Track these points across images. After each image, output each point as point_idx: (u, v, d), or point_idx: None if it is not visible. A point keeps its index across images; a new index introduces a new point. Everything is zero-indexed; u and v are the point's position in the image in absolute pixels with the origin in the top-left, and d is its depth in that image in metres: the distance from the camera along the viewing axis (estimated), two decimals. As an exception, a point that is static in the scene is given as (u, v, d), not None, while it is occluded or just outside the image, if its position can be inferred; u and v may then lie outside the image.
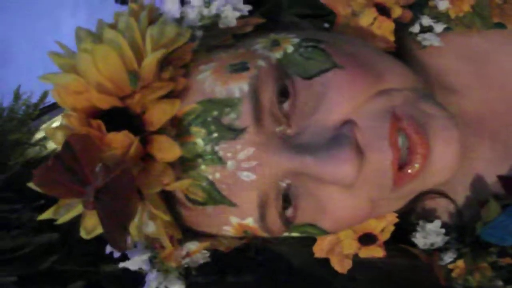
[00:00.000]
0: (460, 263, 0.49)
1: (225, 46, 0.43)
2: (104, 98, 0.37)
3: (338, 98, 0.40)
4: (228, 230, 0.45)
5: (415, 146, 0.40)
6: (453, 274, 0.50)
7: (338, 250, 0.51)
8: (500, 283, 0.49)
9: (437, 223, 0.50)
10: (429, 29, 0.53)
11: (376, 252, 0.50)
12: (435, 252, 0.51)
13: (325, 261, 0.53)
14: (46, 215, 0.43)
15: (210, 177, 0.39)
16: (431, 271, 0.51)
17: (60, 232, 0.76)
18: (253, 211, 0.41)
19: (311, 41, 0.42)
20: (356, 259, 0.52)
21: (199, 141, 0.39)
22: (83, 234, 0.42)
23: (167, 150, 0.38)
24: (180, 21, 0.43)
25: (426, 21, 0.53)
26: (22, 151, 0.86)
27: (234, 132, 0.38)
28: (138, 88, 0.37)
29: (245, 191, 0.40)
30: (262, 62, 0.40)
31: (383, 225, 0.49)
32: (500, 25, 0.52)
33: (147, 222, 0.40)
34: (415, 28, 0.52)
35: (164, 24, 0.39)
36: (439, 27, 0.52)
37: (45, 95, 0.97)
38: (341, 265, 0.50)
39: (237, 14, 0.43)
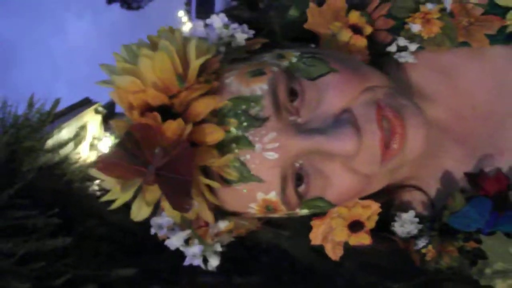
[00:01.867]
0: (431, 248, 0.55)
1: (241, 59, 0.53)
2: (158, 96, 0.45)
3: (337, 94, 0.50)
4: (253, 207, 0.52)
5: (395, 127, 0.49)
6: (427, 258, 0.56)
7: (331, 238, 0.58)
8: (467, 264, 0.54)
9: (411, 213, 0.58)
10: (404, 49, 0.60)
11: (364, 239, 0.56)
12: (411, 239, 0.57)
13: (322, 254, 0.58)
14: (110, 196, 0.47)
15: (242, 158, 0.48)
16: (409, 256, 0.58)
17: (73, 236, 0.79)
18: (276, 185, 0.49)
19: (309, 53, 0.53)
20: (346, 246, 0.57)
21: (233, 129, 0.48)
22: (133, 213, 0.47)
23: (213, 134, 0.46)
24: (204, 40, 0.52)
25: (402, 41, 0.61)
26: (35, 158, 0.88)
27: (259, 121, 0.48)
28: (183, 89, 0.46)
29: (270, 168, 0.49)
30: (275, 68, 0.50)
31: (369, 213, 0.56)
32: (466, 44, 0.60)
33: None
34: (393, 48, 0.60)
35: (199, 40, 0.48)
36: (413, 47, 0.60)
37: (56, 103, 1.00)
38: (334, 252, 0.56)
39: (245, 36, 0.54)
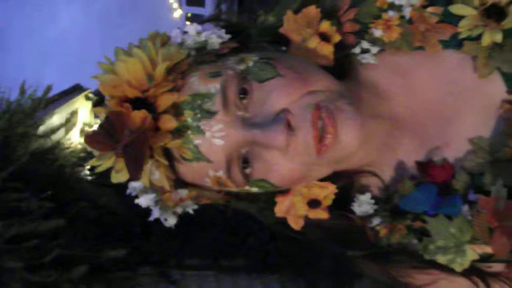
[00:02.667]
0: (384, 226, 0.63)
1: (209, 61, 0.64)
2: (131, 91, 0.57)
3: (278, 95, 0.60)
4: (208, 182, 0.64)
5: (327, 127, 0.58)
6: (380, 234, 0.66)
7: (293, 212, 0.67)
8: (414, 241, 0.65)
9: (368, 195, 0.67)
10: (367, 51, 0.67)
11: (321, 214, 0.67)
12: (367, 217, 0.68)
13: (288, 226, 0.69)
14: (91, 163, 0.62)
15: (195, 142, 0.60)
16: (364, 232, 0.67)
17: (65, 219, 0.82)
18: (222, 165, 0.61)
19: (265, 59, 0.63)
20: (308, 221, 0.67)
21: (189, 119, 0.60)
22: (113, 177, 0.62)
23: (168, 122, 0.58)
24: (181, 44, 0.64)
25: (365, 44, 0.70)
26: (28, 143, 0.91)
27: (210, 114, 0.59)
28: (152, 85, 0.58)
29: (217, 152, 0.61)
30: (230, 71, 0.60)
31: (326, 193, 0.66)
32: (421, 48, 0.68)
33: (154, 171, 0.61)
34: (357, 50, 0.70)
35: (170, 46, 0.60)
36: (374, 49, 0.69)
37: (48, 89, 1.02)
38: (296, 223, 0.71)
39: (220, 40, 0.64)
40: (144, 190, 0.66)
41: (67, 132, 1.55)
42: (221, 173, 0.62)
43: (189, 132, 0.60)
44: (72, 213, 0.84)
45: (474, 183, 0.61)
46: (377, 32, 0.69)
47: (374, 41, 0.69)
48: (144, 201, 0.65)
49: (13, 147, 0.85)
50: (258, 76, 0.61)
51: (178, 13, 3.39)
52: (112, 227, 1.02)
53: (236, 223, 1.09)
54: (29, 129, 0.90)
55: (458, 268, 0.62)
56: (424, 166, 0.64)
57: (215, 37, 0.64)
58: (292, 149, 0.59)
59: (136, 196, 0.65)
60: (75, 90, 2.24)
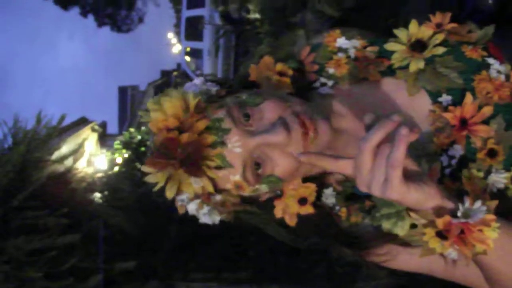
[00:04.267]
0: (343, 210, 0.76)
1: (215, 101, 0.80)
2: (173, 121, 0.73)
3: (272, 111, 0.76)
4: (229, 187, 0.77)
5: (309, 128, 0.72)
6: (342, 217, 0.80)
7: (288, 211, 0.81)
8: (367, 221, 0.79)
9: (330, 189, 0.81)
10: (325, 84, 0.85)
11: (309, 209, 0.79)
12: (333, 206, 0.81)
13: (286, 226, 0.81)
14: (146, 179, 0.71)
15: (221, 153, 0.73)
16: (332, 217, 0.79)
17: (81, 234, 0.88)
18: (239, 169, 0.74)
19: (253, 92, 0.80)
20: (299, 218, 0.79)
21: (215, 138, 0.74)
22: (168, 192, 0.72)
23: (208, 138, 0.74)
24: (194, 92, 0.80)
25: (323, 80, 0.88)
26: (44, 167, 0.99)
27: (227, 130, 0.73)
28: (188, 117, 0.75)
29: (236, 158, 0.74)
30: (231, 104, 0.76)
31: (310, 191, 0.81)
32: (365, 78, 0.86)
33: (197, 181, 0.74)
34: (317, 84, 0.88)
35: (191, 92, 0.77)
36: (330, 83, 0.87)
37: (62, 118, 1.10)
38: (291, 220, 0.79)
39: (215, 88, 0.81)
40: (191, 199, 0.77)
41: (75, 161, 1.63)
42: (237, 177, 0.75)
43: (218, 145, 0.73)
44: (85, 230, 0.91)
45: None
46: (331, 70, 0.89)
47: (329, 77, 0.89)
48: (192, 206, 0.78)
49: (31, 170, 0.93)
50: (253, 102, 0.79)
51: (177, 48, 3.50)
52: (122, 244, 1.08)
53: (237, 237, 1.15)
54: (44, 154, 0.98)
55: (401, 232, 0.76)
56: None
57: (212, 86, 0.82)
58: (290, 146, 0.72)
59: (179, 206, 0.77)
60: (81, 122, 2.33)
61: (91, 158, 1.68)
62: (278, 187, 0.80)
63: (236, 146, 0.75)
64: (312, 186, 0.80)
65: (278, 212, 0.80)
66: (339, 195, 0.82)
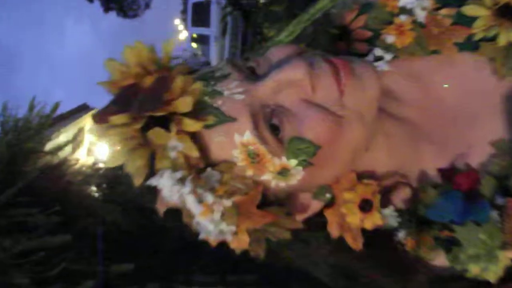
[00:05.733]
0: (410, 239, 0.59)
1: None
2: (136, 70, 0.59)
3: (281, 51, 0.59)
4: (237, 157, 0.58)
5: (339, 67, 0.56)
6: (407, 248, 0.62)
7: (347, 226, 0.60)
8: (442, 252, 0.59)
9: (391, 208, 0.61)
10: (380, 58, 0.65)
11: (377, 218, 0.59)
12: (393, 231, 0.62)
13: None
14: (110, 155, 0.62)
15: (215, 105, 0.57)
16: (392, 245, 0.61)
17: (73, 234, 0.82)
18: (248, 122, 0.57)
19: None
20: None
21: (204, 88, 0.57)
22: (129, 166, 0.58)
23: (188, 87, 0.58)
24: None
25: (378, 52, 0.67)
26: (36, 159, 0.91)
27: (224, 77, 0.58)
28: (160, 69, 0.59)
29: (239, 108, 0.57)
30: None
31: (372, 190, 0.61)
32: (436, 51, 0.66)
33: (177, 144, 0.55)
34: (370, 58, 0.66)
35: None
36: (388, 56, 0.67)
37: (56, 106, 1.03)
38: (355, 242, 0.60)
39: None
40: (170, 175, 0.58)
41: (74, 150, 1.57)
42: (248, 135, 0.58)
43: (206, 98, 0.58)
44: (79, 228, 0.84)
45: (500, 186, 0.60)
46: (390, 38, 0.67)
47: (387, 48, 0.67)
48: (165, 181, 0.57)
49: (21, 163, 0.86)
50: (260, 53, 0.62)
51: (183, 35, 3.41)
52: (120, 243, 1.02)
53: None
54: (36, 145, 0.90)
55: (492, 278, 0.61)
56: (448, 173, 0.61)
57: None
58: (318, 93, 0.56)
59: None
60: (82, 109, 2.26)
61: (92, 147, 1.62)
62: (323, 179, 0.62)
63: (236, 93, 0.57)
64: (374, 184, 0.60)
65: (333, 229, 0.61)
66: (402, 217, 0.64)
